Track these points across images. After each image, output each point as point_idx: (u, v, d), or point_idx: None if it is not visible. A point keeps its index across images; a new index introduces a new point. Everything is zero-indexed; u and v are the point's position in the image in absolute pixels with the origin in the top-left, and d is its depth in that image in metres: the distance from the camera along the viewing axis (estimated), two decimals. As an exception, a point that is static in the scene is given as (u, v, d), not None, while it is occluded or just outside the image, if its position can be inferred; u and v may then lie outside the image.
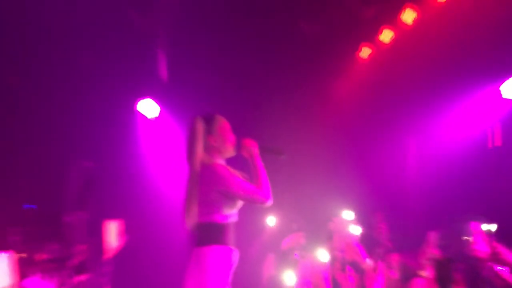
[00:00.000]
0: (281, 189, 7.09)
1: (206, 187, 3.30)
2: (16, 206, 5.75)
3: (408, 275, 4.91)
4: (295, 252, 5.63)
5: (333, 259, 5.10)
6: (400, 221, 6.53)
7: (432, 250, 4.70)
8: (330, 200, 6.74)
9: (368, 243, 5.79)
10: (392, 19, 6.34)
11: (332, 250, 5.22)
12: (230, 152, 3.49)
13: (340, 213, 5.93)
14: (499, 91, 6.40)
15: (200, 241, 3.28)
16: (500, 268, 3.42)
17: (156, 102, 7.18)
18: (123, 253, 5.77)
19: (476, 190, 6.56)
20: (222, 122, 3.52)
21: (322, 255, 5.18)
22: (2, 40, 5.59)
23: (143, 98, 7.13)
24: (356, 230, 5.47)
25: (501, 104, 6.47)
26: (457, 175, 6.75)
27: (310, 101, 7.35)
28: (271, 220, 7.05)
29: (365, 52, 6.94)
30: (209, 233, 3.27)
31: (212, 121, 3.47)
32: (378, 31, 6.49)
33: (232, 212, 3.38)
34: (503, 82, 6.35)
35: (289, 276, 4.89)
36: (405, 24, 6.21)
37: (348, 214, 5.61)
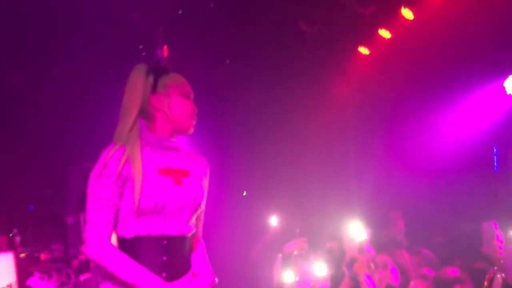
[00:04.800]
0: (283, 189, 7.08)
1: None
2: (16, 206, 5.74)
3: (408, 275, 4.84)
4: (296, 256, 5.47)
5: (340, 275, 4.75)
6: (408, 221, 6.47)
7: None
8: (335, 202, 6.67)
9: (381, 241, 5.68)
10: (392, 15, 6.30)
11: (338, 266, 4.81)
12: (183, 126, 2.32)
13: (348, 226, 5.60)
14: (503, 87, 6.36)
15: None
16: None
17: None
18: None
19: (486, 189, 6.50)
20: (177, 80, 2.32)
21: (321, 268, 4.79)
22: (1, 40, 5.58)
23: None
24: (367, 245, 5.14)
25: (505, 101, 6.42)
26: (464, 173, 6.69)
27: (311, 100, 7.32)
28: (274, 220, 6.99)
29: (365, 49, 6.91)
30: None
31: (162, 75, 2.31)
32: (378, 28, 6.46)
33: (136, 222, 2.20)
34: (506, 78, 6.31)
35: (289, 275, 4.78)
36: (405, 20, 6.18)
37: (356, 226, 5.28)
